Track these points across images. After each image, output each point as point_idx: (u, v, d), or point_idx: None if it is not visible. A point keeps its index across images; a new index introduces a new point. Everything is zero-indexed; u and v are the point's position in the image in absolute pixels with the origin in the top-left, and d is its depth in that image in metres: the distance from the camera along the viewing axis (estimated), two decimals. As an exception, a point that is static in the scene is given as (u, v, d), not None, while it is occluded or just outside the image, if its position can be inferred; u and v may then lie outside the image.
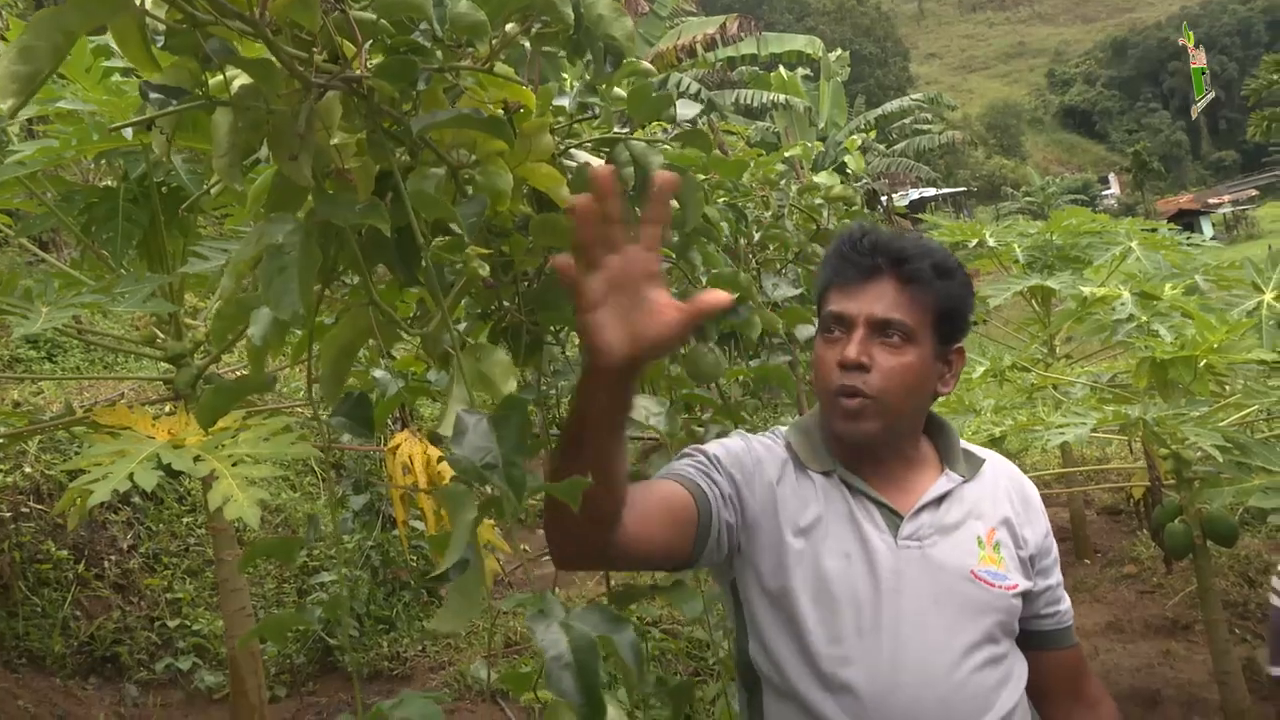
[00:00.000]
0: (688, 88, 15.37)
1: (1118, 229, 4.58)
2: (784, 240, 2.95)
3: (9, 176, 2.14)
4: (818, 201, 3.20)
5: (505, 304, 1.40)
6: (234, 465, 2.07)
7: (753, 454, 1.56)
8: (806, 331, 2.73)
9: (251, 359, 1.04)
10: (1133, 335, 3.31)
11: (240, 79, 0.91)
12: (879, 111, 23.47)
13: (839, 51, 22.30)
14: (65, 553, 4.55)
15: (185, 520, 5.29)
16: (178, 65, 0.88)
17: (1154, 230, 4.73)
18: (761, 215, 2.96)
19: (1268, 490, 2.77)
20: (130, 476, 1.97)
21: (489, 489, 0.98)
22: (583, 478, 0.96)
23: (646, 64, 1.50)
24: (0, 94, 0.70)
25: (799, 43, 18.58)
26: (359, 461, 5.61)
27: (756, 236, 2.87)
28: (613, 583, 2.02)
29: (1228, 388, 3.45)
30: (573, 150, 1.36)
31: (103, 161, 2.37)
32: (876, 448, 1.50)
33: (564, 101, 1.39)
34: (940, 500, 1.52)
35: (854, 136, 4.42)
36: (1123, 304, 3.42)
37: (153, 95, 0.84)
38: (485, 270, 1.06)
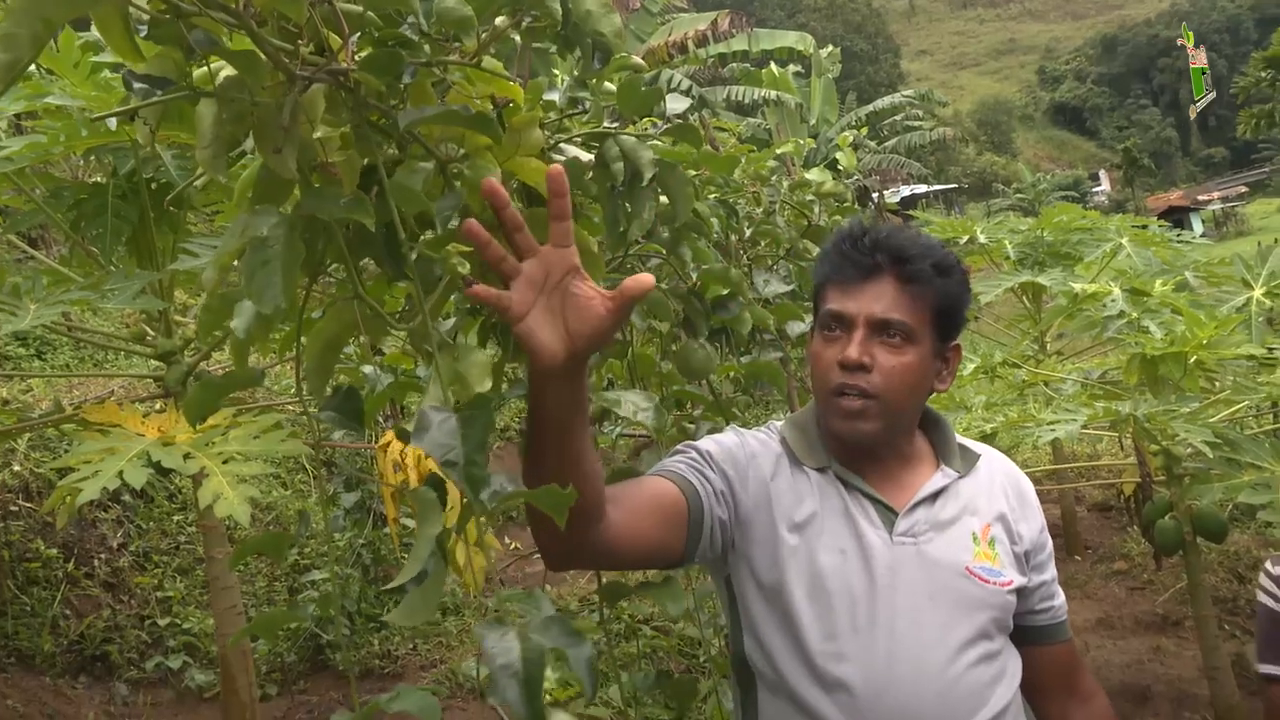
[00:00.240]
0: (679, 84, 15.37)
1: (1108, 226, 4.60)
2: (775, 236, 2.95)
3: (-4, 172, 2.13)
4: (809, 198, 3.20)
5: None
6: (224, 463, 2.07)
7: (746, 449, 1.55)
8: (798, 328, 2.73)
9: (235, 353, 1.03)
10: (1123, 332, 3.32)
11: (226, 70, 0.90)
12: (870, 108, 23.49)
13: (830, 48, 22.32)
14: (54, 551, 4.53)
15: (176, 518, 5.27)
16: (162, 55, 0.87)
17: (1144, 227, 4.74)
18: (753, 211, 2.96)
19: (1257, 486, 2.78)
20: (120, 474, 1.96)
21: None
22: (562, 489, 0.96)
23: (636, 59, 1.50)
24: (-20, 84, 0.69)
25: (790, 39, 18.57)
26: (350, 459, 5.60)
27: (748, 232, 2.87)
28: (604, 579, 2.01)
29: (1217, 384, 3.47)
30: (562, 145, 1.36)
31: (92, 157, 2.36)
32: (874, 446, 1.50)
33: (554, 96, 1.39)
34: (935, 496, 1.51)
35: (846, 133, 4.43)
36: (1113, 300, 3.43)
37: (136, 85, 0.84)
38: (465, 268, 1.06)
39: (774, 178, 3.08)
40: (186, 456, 2.07)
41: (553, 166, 1.02)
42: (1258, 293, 3.44)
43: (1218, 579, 5.22)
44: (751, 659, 1.51)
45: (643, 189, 1.42)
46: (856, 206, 4.00)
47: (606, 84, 1.44)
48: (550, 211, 1.03)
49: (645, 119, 1.97)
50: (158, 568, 4.95)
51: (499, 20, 1.10)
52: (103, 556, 4.78)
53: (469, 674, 4.49)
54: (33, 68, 2.19)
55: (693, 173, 2.05)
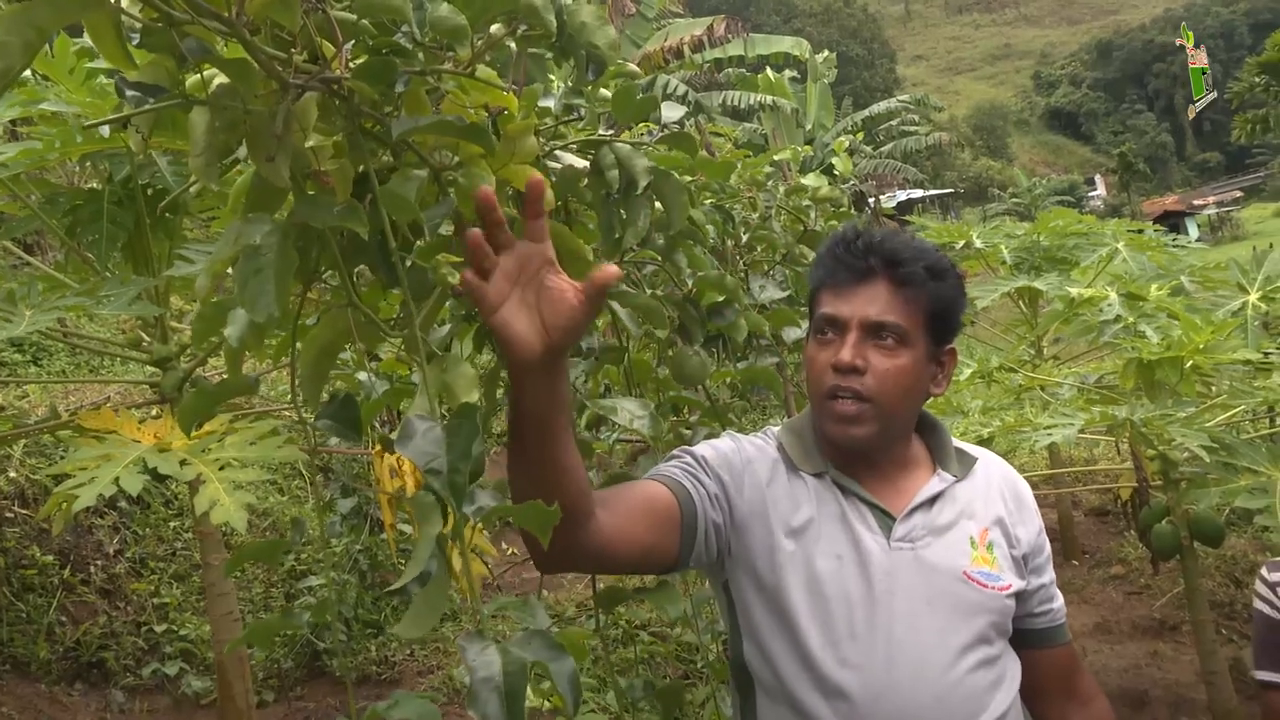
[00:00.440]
0: (675, 89, 15.37)
1: (1104, 230, 4.61)
2: (771, 242, 2.95)
3: (-9, 179, 2.13)
4: (805, 203, 3.20)
5: (490, 306, 1.39)
6: (221, 469, 2.07)
7: (742, 454, 1.55)
8: (794, 333, 2.73)
9: (229, 361, 1.03)
10: (1119, 336, 3.32)
11: (219, 78, 0.90)
12: (866, 113, 23.50)
13: (826, 53, 22.33)
14: (50, 558, 4.52)
15: (172, 524, 5.26)
16: (155, 63, 0.87)
17: (1140, 231, 4.75)
18: (749, 217, 2.96)
19: (1254, 491, 2.78)
20: (116, 481, 1.96)
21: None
22: (546, 495, 0.96)
23: (632, 66, 1.50)
24: (-27, 93, 0.69)
25: (786, 44, 18.61)
26: (347, 465, 5.59)
27: (744, 238, 2.87)
28: (599, 584, 2.01)
29: (1214, 388, 3.47)
30: (557, 152, 1.36)
31: (87, 164, 2.36)
32: (869, 450, 1.50)
33: (549, 103, 1.39)
34: (933, 501, 1.51)
35: (842, 139, 4.43)
36: (1109, 305, 3.43)
37: (129, 93, 0.83)
38: (455, 277, 1.06)
39: (770, 183, 3.08)
40: (183, 463, 2.07)
41: (533, 175, 1.04)
42: (1253, 297, 3.44)
43: (1215, 583, 5.22)
44: (750, 664, 1.51)
45: (637, 196, 1.41)
46: (853, 211, 4.01)
47: (602, 91, 1.44)
48: (526, 210, 1.05)
49: (641, 125, 1.97)
50: (154, 574, 4.94)
51: (494, 29, 1.10)
52: (99, 563, 4.76)
53: (464, 681, 4.48)
54: (29, 74, 2.19)
55: (688, 179, 2.05)
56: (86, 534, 4.84)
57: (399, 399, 1.81)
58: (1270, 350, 3.30)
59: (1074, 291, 3.64)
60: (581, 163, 1.36)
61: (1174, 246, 4.61)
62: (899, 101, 24.82)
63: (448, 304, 1.35)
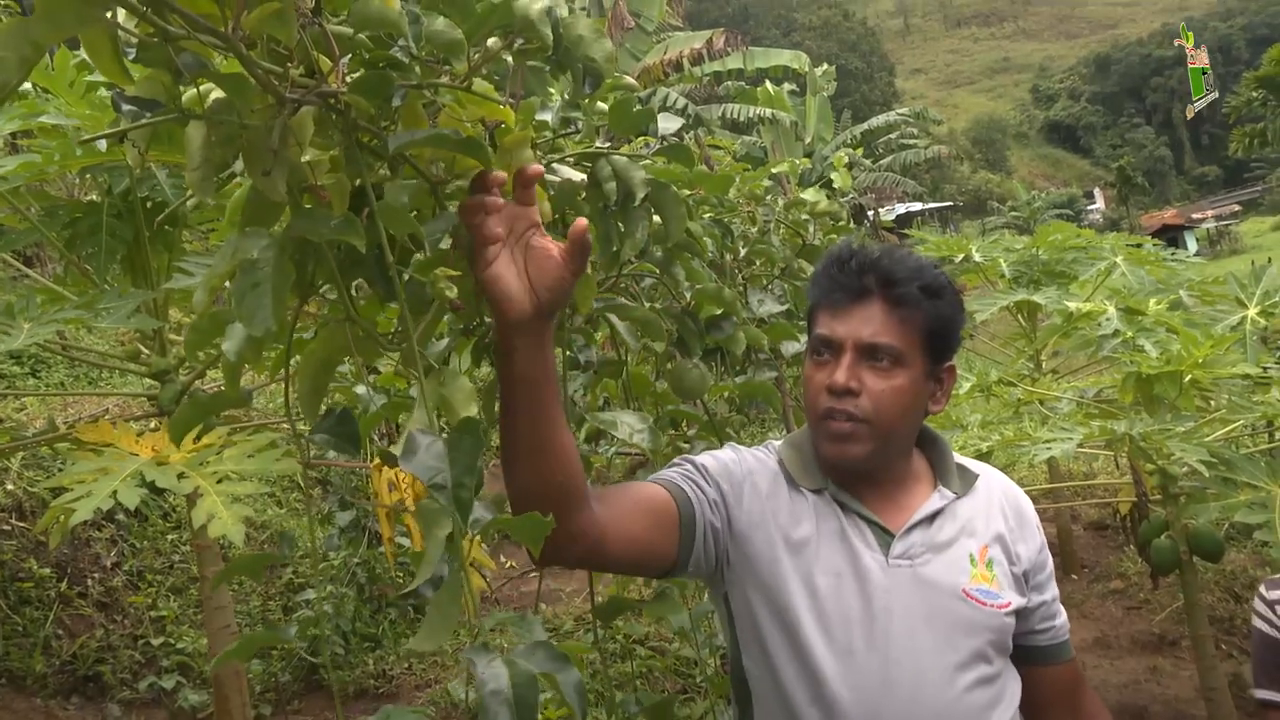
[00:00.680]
0: (674, 102, 15.42)
1: (1103, 244, 4.61)
2: (770, 256, 2.95)
3: (-9, 191, 2.13)
4: (804, 217, 3.20)
5: (488, 320, 1.39)
6: (218, 482, 2.06)
7: (743, 465, 1.55)
8: (792, 347, 2.73)
9: (226, 374, 1.03)
10: (1118, 350, 3.32)
11: (215, 92, 0.90)
12: (865, 126, 23.59)
13: (825, 66, 22.40)
14: (47, 571, 4.51)
15: (170, 537, 5.25)
16: (151, 78, 0.87)
17: (1139, 245, 4.75)
18: (747, 231, 2.96)
19: (1253, 506, 2.78)
20: (113, 494, 1.95)
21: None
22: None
23: (629, 78, 1.50)
24: (-29, 108, 0.69)
25: (785, 58, 18.67)
26: (345, 478, 5.59)
27: (742, 252, 2.87)
28: (598, 598, 2.00)
29: (1213, 402, 3.46)
30: (555, 165, 1.36)
31: (87, 176, 2.36)
32: (867, 469, 1.49)
33: (547, 116, 1.39)
34: (932, 518, 1.50)
35: (841, 154, 4.43)
36: (1108, 319, 3.43)
37: (125, 107, 0.83)
38: (453, 292, 1.06)
39: (769, 197, 3.08)
40: (180, 476, 2.06)
41: (531, 166, 1.11)
42: (1252, 311, 3.44)
43: (1214, 598, 5.21)
44: (750, 677, 1.51)
45: (635, 208, 1.42)
46: (852, 225, 4.01)
47: (599, 104, 1.44)
48: (516, 178, 1.11)
49: (639, 138, 1.97)
50: (151, 587, 4.93)
51: (490, 43, 1.10)
52: (96, 576, 4.75)
53: (462, 695, 4.47)
54: (29, 86, 2.20)
55: (687, 192, 2.05)
56: (84, 547, 4.83)
57: (397, 412, 1.80)
58: (1269, 365, 3.30)
59: (1073, 305, 3.64)
60: (579, 175, 1.36)
61: (1172, 261, 4.61)
62: (898, 115, 24.92)
63: (445, 318, 1.35)
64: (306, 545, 5.28)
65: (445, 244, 1.10)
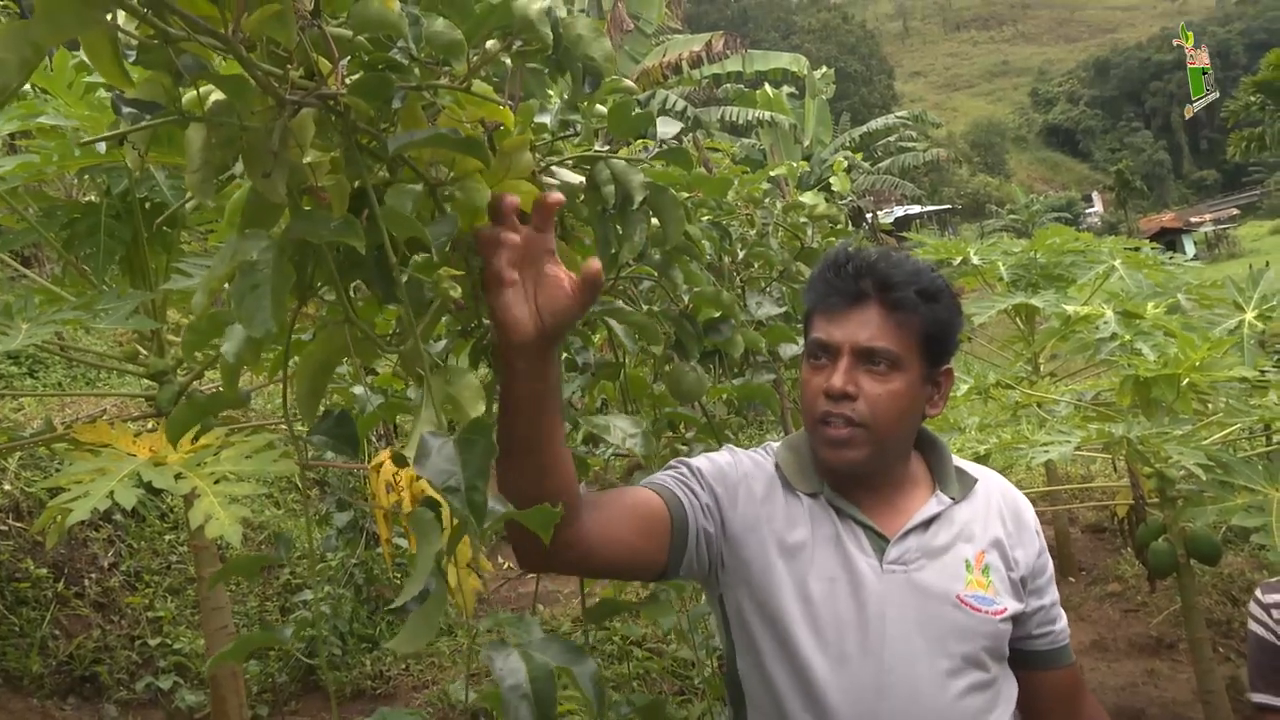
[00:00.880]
0: (673, 105, 15.42)
1: (1101, 248, 4.61)
2: (768, 259, 2.96)
3: (-11, 191, 2.13)
4: (802, 220, 3.20)
5: (486, 321, 1.39)
6: (216, 483, 2.06)
7: (739, 469, 1.54)
8: (790, 350, 2.73)
9: (225, 376, 1.03)
10: (1116, 354, 3.32)
11: (215, 94, 0.90)
12: (864, 129, 23.60)
13: (824, 69, 22.41)
14: (44, 571, 4.51)
15: (167, 538, 5.25)
16: (151, 80, 0.87)
17: (1137, 249, 4.75)
18: (746, 233, 2.96)
19: (1250, 509, 2.78)
20: (110, 495, 1.95)
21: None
22: (553, 507, 0.98)
23: (628, 81, 1.50)
24: (-30, 109, 0.70)
25: (784, 60, 18.68)
26: (343, 478, 5.58)
27: (741, 254, 2.87)
28: (588, 600, 2.00)
29: (1210, 406, 3.47)
30: (553, 168, 1.36)
31: (85, 177, 2.36)
32: (864, 473, 1.49)
33: (545, 118, 1.39)
34: (929, 523, 1.50)
35: (840, 158, 4.44)
36: (1106, 323, 3.44)
37: (125, 109, 0.84)
38: (457, 291, 1.06)
39: (767, 200, 3.08)
40: (178, 477, 2.06)
41: (551, 195, 1.11)
42: (1249, 315, 3.44)
43: (1212, 601, 5.21)
44: (744, 681, 1.50)
45: (633, 212, 1.42)
46: (850, 228, 4.01)
47: (598, 106, 1.44)
48: (535, 208, 1.11)
49: (638, 141, 1.97)
50: (149, 587, 4.93)
51: (489, 44, 1.10)
52: (93, 576, 4.75)
53: (458, 696, 4.47)
54: (28, 87, 2.20)
55: (685, 195, 2.05)
56: (81, 547, 4.82)
57: (394, 413, 1.80)
58: (1266, 368, 3.30)
59: (1071, 309, 3.64)
60: (578, 178, 1.36)
61: (1170, 264, 4.62)
62: (897, 118, 24.93)
63: (444, 319, 1.35)
64: (304, 546, 5.28)
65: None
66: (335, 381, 2.04)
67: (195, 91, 0.90)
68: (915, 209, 36.64)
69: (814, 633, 1.42)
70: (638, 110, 1.37)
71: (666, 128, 1.49)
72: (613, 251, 1.46)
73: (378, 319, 1.48)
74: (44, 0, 0.69)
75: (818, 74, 21.15)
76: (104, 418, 2.64)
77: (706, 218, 2.54)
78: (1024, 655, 1.54)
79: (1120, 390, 3.24)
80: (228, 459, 2.13)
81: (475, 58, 1.06)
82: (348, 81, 0.94)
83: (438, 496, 1.07)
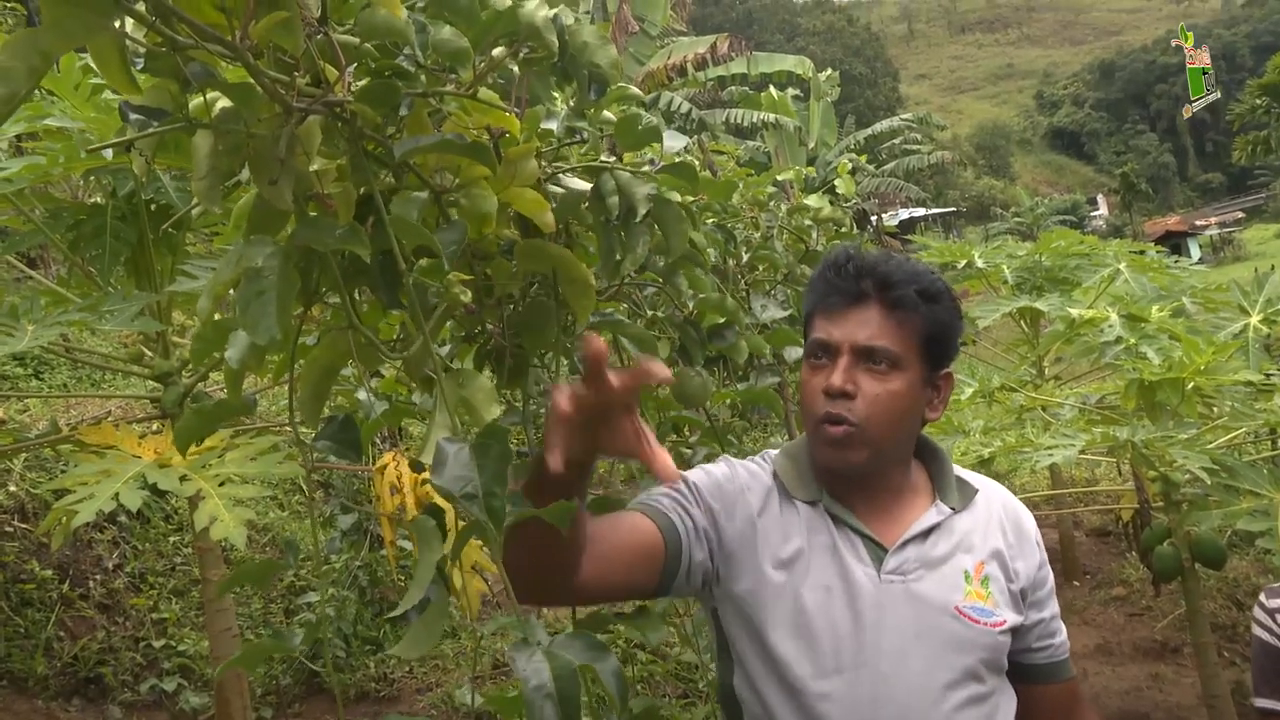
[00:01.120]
0: (679, 107, 15.44)
1: (1106, 251, 4.60)
2: (773, 262, 2.96)
3: (-4, 194, 2.14)
4: (807, 223, 3.20)
5: (490, 327, 1.39)
6: (220, 485, 2.07)
7: (736, 481, 1.52)
8: (795, 353, 2.73)
9: (229, 381, 1.03)
10: (1120, 357, 3.32)
11: (222, 101, 0.90)
12: (869, 131, 23.59)
13: (829, 71, 22.43)
14: (49, 572, 4.51)
15: (172, 539, 5.25)
16: (158, 86, 0.87)
17: (1142, 252, 4.74)
18: (751, 236, 2.97)
19: (1255, 513, 2.78)
20: (116, 496, 1.96)
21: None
22: (570, 501, 0.97)
23: (634, 89, 1.50)
24: (-22, 116, 0.70)
25: (789, 63, 18.70)
26: (347, 480, 5.59)
27: (745, 258, 2.88)
28: (579, 613, 2.01)
29: (1215, 410, 3.46)
30: (560, 176, 1.36)
31: (91, 178, 2.37)
32: (863, 477, 1.47)
33: (552, 125, 1.39)
34: (928, 533, 1.47)
35: (845, 161, 4.44)
36: (1110, 326, 3.43)
37: (133, 116, 0.84)
38: (467, 296, 1.06)
39: (772, 203, 3.08)
40: (183, 479, 2.07)
41: (593, 344, 1.02)
42: (1255, 319, 3.44)
43: (1217, 605, 5.20)
44: (739, 693, 1.48)
45: (637, 223, 1.41)
46: (855, 231, 4.01)
47: (605, 114, 1.44)
48: (591, 375, 1.04)
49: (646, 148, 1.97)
50: (153, 589, 4.93)
51: (496, 51, 1.10)
52: (98, 578, 4.76)
53: (463, 699, 4.47)
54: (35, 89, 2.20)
55: (690, 199, 2.05)
56: (86, 549, 4.83)
57: (398, 418, 1.81)
58: (1272, 372, 3.30)
59: (1075, 312, 3.64)
60: (584, 185, 1.36)
61: (1175, 268, 4.61)
62: (902, 120, 24.92)
63: (447, 325, 1.35)
64: (308, 548, 5.29)
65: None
66: (339, 384, 2.05)
67: (202, 98, 0.90)
68: (920, 212, 36.65)
69: (807, 646, 1.40)
70: (645, 122, 1.37)
71: (673, 143, 1.49)
72: (616, 259, 1.46)
73: (381, 324, 1.49)
74: (52, 8, 0.70)
75: (822, 76, 21.16)
76: (109, 419, 2.65)
77: (711, 221, 2.54)
78: (1023, 669, 1.52)
79: (1125, 394, 3.24)
80: (233, 461, 2.14)
81: (481, 64, 1.06)
82: (354, 88, 0.94)
83: (441, 503, 1.07)
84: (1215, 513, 2.89)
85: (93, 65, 2.13)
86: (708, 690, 3.09)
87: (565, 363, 1.77)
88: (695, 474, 1.53)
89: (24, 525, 4.54)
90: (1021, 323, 5.15)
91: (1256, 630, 1.95)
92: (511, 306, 1.44)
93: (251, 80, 0.85)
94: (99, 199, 2.38)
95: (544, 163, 1.32)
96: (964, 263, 4.88)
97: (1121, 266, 4.28)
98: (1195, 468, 2.75)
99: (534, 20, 1.08)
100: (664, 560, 1.41)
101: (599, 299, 1.58)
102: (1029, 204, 56.09)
